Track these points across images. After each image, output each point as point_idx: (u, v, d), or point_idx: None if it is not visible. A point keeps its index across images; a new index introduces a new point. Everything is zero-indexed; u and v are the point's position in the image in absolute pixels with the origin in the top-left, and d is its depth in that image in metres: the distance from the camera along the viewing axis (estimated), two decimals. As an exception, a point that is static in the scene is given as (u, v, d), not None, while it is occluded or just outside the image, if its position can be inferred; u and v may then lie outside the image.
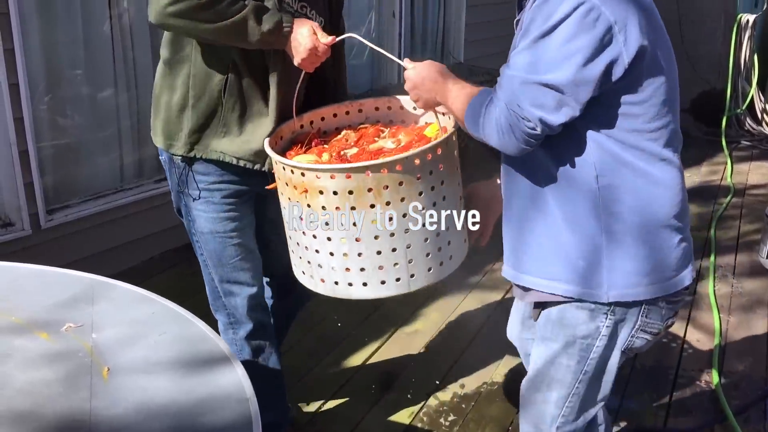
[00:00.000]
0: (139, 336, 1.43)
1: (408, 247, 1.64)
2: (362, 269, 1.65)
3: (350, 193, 1.56)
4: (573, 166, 1.45)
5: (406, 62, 1.64)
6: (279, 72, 1.83)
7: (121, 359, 1.34)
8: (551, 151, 1.46)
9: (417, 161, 1.58)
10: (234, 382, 1.30)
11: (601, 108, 1.41)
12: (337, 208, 1.59)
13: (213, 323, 1.57)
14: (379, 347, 2.99)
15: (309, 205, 1.62)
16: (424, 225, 1.64)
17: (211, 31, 1.72)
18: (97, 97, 3.49)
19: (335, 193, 1.57)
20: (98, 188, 3.48)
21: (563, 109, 1.37)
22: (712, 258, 3.92)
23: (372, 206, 1.58)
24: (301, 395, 2.63)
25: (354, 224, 1.60)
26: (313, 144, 1.85)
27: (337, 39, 1.78)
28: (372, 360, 2.90)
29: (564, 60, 1.34)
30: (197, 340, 1.43)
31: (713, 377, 2.79)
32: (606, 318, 1.51)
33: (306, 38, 1.76)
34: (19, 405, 1.21)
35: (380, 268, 1.65)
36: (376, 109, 1.99)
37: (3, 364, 1.31)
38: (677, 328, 3.17)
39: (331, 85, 2.05)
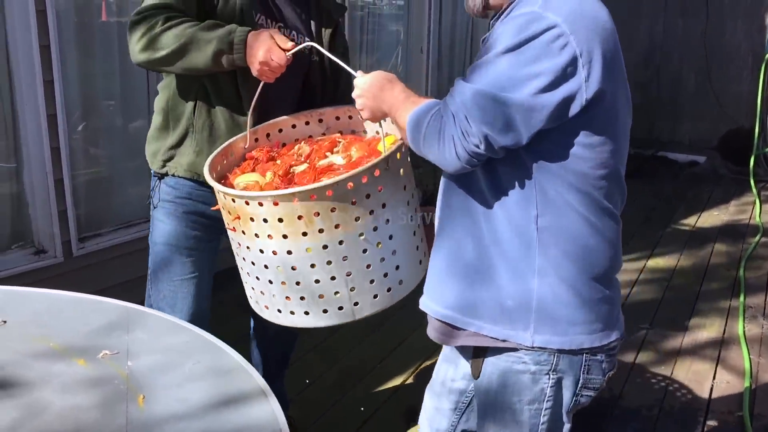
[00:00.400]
0: (174, 365, 1.44)
1: (348, 275, 1.57)
2: (302, 298, 1.60)
3: (280, 221, 1.51)
4: (515, 202, 1.38)
5: (358, 73, 1.56)
6: (251, 92, 1.81)
7: (157, 387, 1.35)
8: (494, 184, 1.39)
9: (350, 185, 1.50)
10: (267, 413, 1.31)
11: (552, 145, 1.34)
12: (269, 236, 1.53)
13: (245, 352, 1.58)
14: (404, 381, 2.98)
15: (244, 232, 1.57)
16: (364, 251, 1.57)
17: (174, 55, 1.78)
18: (129, 128, 3.56)
19: (265, 220, 1.51)
20: (129, 217, 3.53)
21: (510, 132, 1.29)
22: (741, 298, 3.87)
23: (304, 234, 1.51)
24: (324, 430, 2.62)
25: (289, 252, 1.54)
26: (265, 157, 1.80)
27: (295, 49, 1.73)
28: (396, 394, 2.89)
29: (523, 81, 1.27)
30: (231, 370, 1.44)
31: (743, 419, 2.74)
32: (549, 378, 1.44)
33: (261, 45, 1.73)
34: (57, 430, 1.23)
35: (320, 297, 1.59)
36: (337, 118, 1.92)
37: (41, 389, 1.33)
38: (707, 369, 3.13)
39: (319, 96, 2.02)
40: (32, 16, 2.90)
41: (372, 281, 1.60)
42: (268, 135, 1.90)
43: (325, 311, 1.61)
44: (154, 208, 2.04)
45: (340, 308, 1.61)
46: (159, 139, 2.01)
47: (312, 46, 1.77)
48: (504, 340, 1.44)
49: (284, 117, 1.91)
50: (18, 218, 3.13)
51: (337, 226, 1.52)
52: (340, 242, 1.54)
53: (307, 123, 1.92)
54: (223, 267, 2.11)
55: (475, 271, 1.44)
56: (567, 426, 1.51)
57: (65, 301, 1.72)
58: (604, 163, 1.37)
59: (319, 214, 1.50)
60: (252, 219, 1.53)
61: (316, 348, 3.17)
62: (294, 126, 1.91)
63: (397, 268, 1.63)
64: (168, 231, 2.01)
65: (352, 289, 1.59)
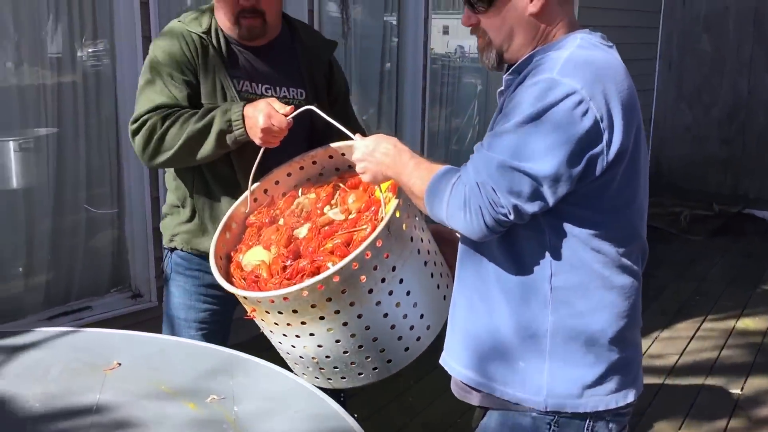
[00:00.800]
0: (277, 411, 1.50)
1: (375, 340, 1.59)
2: (335, 367, 1.64)
3: (295, 311, 1.52)
4: (530, 262, 1.37)
5: (357, 136, 1.57)
6: (247, 166, 1.79)
7: (261, 433, 1.41)
8: (509, 246, 1.38)
9: (355, 265, 1.49)
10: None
11: (569, 206, 1.33)
12: (288, 324, 1.56)
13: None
14: (485, 437, 2.94)
15: (263, 320, 1.61)
16: (385, 315, 1.57)
17: (182, 151, 1.81)
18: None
19: (280, 312, 1.54)
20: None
21: (538, 200, 1.29)
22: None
23: (322, 318, 1.53)
24: (407, 482, 2.62)
25: (311, 334, 1.57)
26: (267, 218, 1.79)
27: (294, 113, 1.72)
28: (478, 450, 2.86)
29: (548, 151, 1.26)
30: (329, 418, 1.48)
31: None
32: (549, 429, 1.40)
33: (259, 114, 1.72)
34: (169, 470, 1.29)
35: (352, 364, 1.62)
36: (330, 157, 1.88)
37: (156, 430, 1.40)
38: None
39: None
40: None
41: (400, 338, 1.63)
42: (265, 191, 1.88)
43: (360, 374, 1.65)
44: (167, 279, 2.09)
45: (375, 369, 1.65)
46: (171, 215, 2.07)
47: (311, 109, 1.72)
48: (516, 404, 1.42)
49: (278, 168, 1.87)
50: (118, 263, 3.30)
51: (352, 304, 1.53)
52: (359, 316, 1.56)
53: (301, 168, 1.89)
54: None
55: (487, 332, 1.43)
56: None
57: (171, 346, 1.81)
58: (621, 221, 1.37)
59: (331, 299, 1.52)
60: (267, 312, 1.57)
61: (396, 400, 3.18)
62: (289, 174, 1.89)
63: (422, 317, 1.64)
64: (178, 304, 2.05)
65: (381, 351, 1.62)
